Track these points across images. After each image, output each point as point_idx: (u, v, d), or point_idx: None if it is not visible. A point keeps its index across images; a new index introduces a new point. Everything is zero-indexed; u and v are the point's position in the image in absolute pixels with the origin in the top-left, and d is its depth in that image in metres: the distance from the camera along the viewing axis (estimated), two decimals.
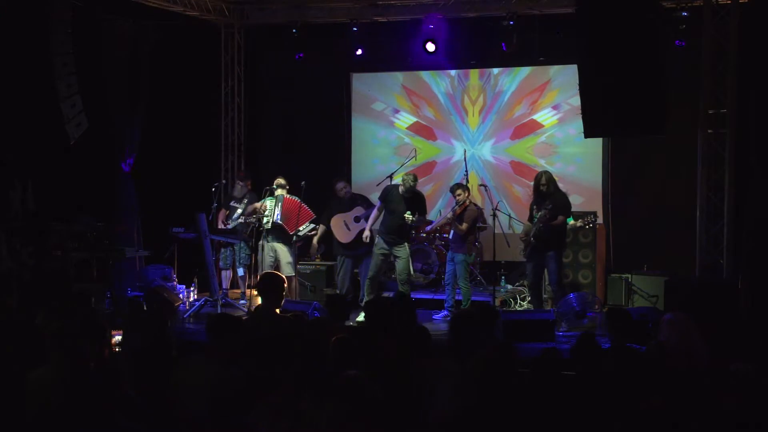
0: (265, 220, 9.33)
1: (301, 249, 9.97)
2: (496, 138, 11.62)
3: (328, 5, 11.20)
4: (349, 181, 10.98)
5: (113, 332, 5.50)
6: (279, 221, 9.28)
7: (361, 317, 8.75)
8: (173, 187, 10.71)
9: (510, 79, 11.56)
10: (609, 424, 4.09)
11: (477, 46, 11.28)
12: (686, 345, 5.03)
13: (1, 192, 8.56)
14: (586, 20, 7.38)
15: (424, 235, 10.60)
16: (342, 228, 9.96)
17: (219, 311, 9.09)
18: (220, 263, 10.13)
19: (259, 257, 9.42)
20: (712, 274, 9.23)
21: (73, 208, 9.27)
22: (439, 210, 11.47)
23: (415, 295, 9.23)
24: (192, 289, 9.91)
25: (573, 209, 9.47)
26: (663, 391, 4.35)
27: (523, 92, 11.49)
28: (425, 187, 11.85)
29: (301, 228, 9.42)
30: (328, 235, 10.06)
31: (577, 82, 7.52)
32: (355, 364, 4.40)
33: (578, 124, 7.61)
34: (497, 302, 9.33)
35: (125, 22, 10.49)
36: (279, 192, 9.39)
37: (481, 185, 11.08)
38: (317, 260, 10.84)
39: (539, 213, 8.49)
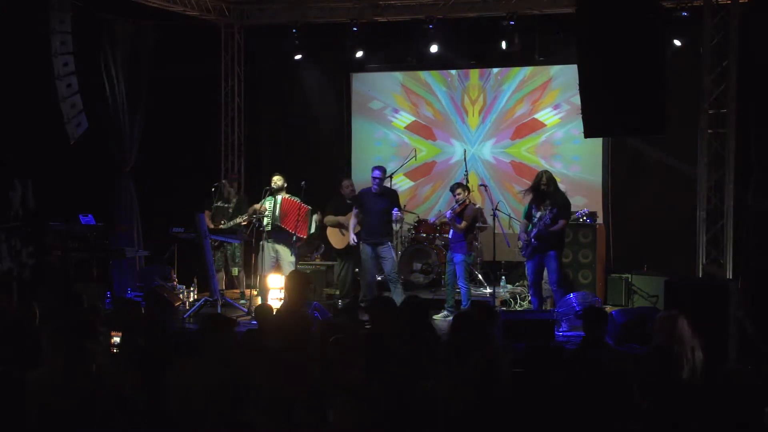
0: (265, 221, 9.32)
1: (301, 249, 9.97)
2: (496, 138, 11.63)
3: (328, 5, 11.20)
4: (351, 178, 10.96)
5: (112, 333, 5.49)
6: (278, 223, 9.28)
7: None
8: (173, 187, 10.71)
9: (510, 79, 11.56)
10: (607, 423, 4.10)
11: (477, 46, 11.28)
12: (676, 344, 5.02)
13: (1, 192, 8.56)
14: (586, 20, 7.38)
15: (424, 234, 10.60)
16: (337, 234, 10.01)
17: (219, 311, 9.10)
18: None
19: (260, 257, 9.41)
20: (712, 274, 9.21)
21: (73, 208, 9.27)
22: (438, 210, 11.48)
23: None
24: (192, 289, 9.91)
25: (575, 210, 9.52)
26: (658, 392, 4.35)
27: (524, 92, 11.49)
28: (425, 188, 11.87)
29: (311, 227, 9.40)
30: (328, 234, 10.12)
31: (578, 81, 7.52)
32: (356, 365, 4.40)
33: (580, 124, 7.59)
34: (497, 302, 9.33)
35: (125, 22, 10.49)
36: (279, 195, 9.37)
37: (481, 185, 11.08)
38: (317, 260, 10.85)
39: (539, 213, 8.47)
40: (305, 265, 10.38)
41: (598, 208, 10.60)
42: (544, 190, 8.53)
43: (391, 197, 9.39)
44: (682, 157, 10.05)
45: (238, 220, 9.66)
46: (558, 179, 8.99)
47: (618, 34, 7.14)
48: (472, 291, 9.42)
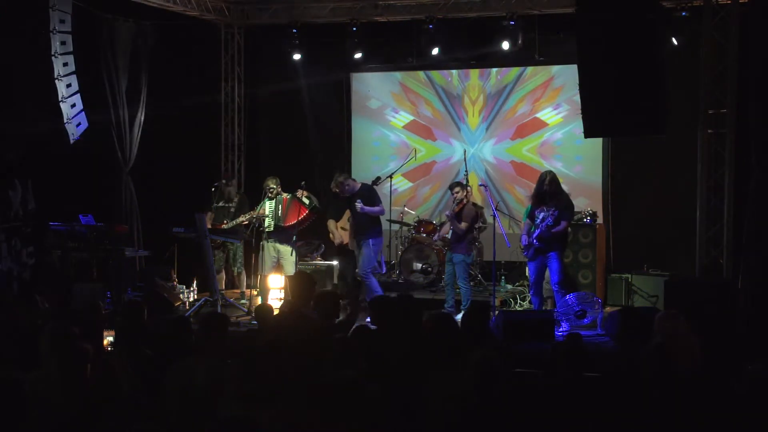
0: (266, 222, 9.32)
1: (301, 249, 9.97)
2: (497, 138, 11.61)
3: (328, 5, 11.20)
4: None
5: (105, 333, 5.50)
6: (281, 223, 9.28)
7: None
8: (173, 187, 10.71)
9: (511, 79, 11.55)
10: (610, 424, 4.10)
11: (477, 46, 11.28)
12: (675, 343, 5.02)
13: (1, 192, 8.56)
14: (586, 20, 7.38)
15: (425, 234, 10.59)
16: (335, 233, 10.06)
17: (219, 311, 9.11)
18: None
19: (261, 257, 9.41)
20: (712, 274, 9.22)
21: (73, 208, 9.27)
22: (437, 210, 11.49)
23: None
24: (192, 289, 9.91)
25: (578, 212, 9.52)
26: (657, 392, 4.36)
27: (525, 91, 11.48)
28: (424, 188, 11.85)
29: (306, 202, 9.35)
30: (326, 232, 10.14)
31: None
32: (356, 364, 4.40)
33: (582, 123, 7.59)
34: (497, 302, 9.33)
35: (125, 22, 10.49)
36: (279, 195, 9.37)
37: (481, 185, 11.08)
38: (317, 260, 10.85)
39: (542, 214, 8.44)
40: (305, 265, 10.39)
41: (598, 208, 10.60)
42: (547, 191, 8.51)
43: (362, 194, 9.32)
44: (682, 157, 10.04)
45: (239, 220, 9.65)
46: (561, 180, 8.97)
47: (618, 34, 7.14)
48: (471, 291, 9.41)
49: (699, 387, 4.52)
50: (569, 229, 8.91)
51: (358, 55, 11.21)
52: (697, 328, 5.28)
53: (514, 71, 11.52)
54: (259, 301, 9.24)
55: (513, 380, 4.56)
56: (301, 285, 6.17)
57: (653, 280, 9.55)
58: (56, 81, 8.84)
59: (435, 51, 10.84)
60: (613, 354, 6.96)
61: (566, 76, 10.93)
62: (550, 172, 8.72)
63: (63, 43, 8.81)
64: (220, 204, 10.14)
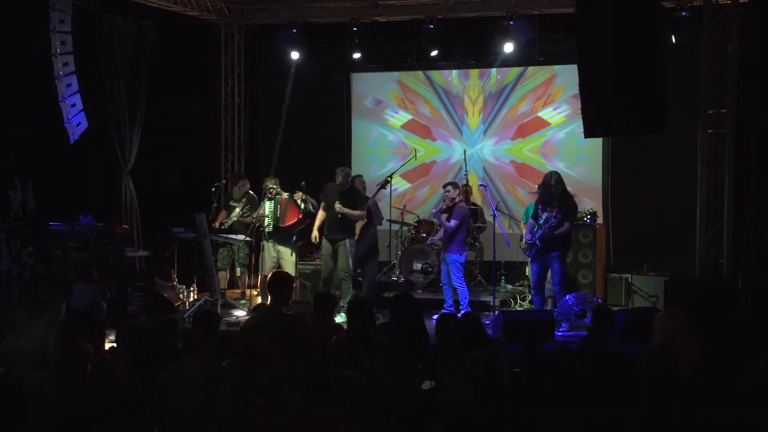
0: (266, 222, 9.32)
1: (301, 249, 9.97)
2: (497, 138, 11.60)
3: (328, 5, 11.20)
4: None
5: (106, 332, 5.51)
6: (281, 224, 9.27)
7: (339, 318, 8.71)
8: (173, 187, 10.71)
9: (511, 79, 11.54)
10: (607, 423, 4.10)
11: (477, 46, 11.28)
12: (675, 343, 5.02)
13: (1, 192, 8.56)
14: (586, 20, 7.38)
15: (425, 235, 10.59)
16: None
17: (219, 311, 9.10)
18: (218, 263, 10.12)
19: (261, 257, 9.42)
20: (712, 274, 9.22)
21: (73, 208, 9.27)
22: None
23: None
24: (192, 289, 9.91)
25: (582, 213, 9.53)
26: (657, 392, 4.36)
27: (526, 90, 11.46)
28: (423, 189, 11.83)
29: (301, 207, 9.31)
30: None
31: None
32: (356, 365, 4.41)
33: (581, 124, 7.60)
34: (497, 302, 9.33)
35: (125, 22, 10.49)
36: (278, 196, 9.36)
37: (481, 185, 11.07)
38: (317, 260, 10.84)
39: (545, 215, 8.44)
40: (305, 264, 10.39)
41: (598, 208, 10.60)
42: (552, 192, 8.49)
43: (352, 196, 9.26)
44: (682, 157, 10.05)
45: (235, 218, 9.64)
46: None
47: (618, 34, 7.14)
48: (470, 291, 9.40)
49: (699, 387, 4.52)
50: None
51: (357, 55, 11.21)
52: (697, 328, 5.28)
53: (515, 71, 11.51)
54: (259, 301, 9.25)
55: (513, 380, 4.56)
56: (280, 285, 6.13)
57: (653, 280, 9.55)
58: (56, 81, 8.84)
59: (435, 52, 10.84)
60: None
61: (568, 74, 10.89)
62: (555, 172, 8.69)
63: (63, 43, 8.81)
64: (230, 203, 10.18)
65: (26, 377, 4.29)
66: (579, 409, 4.27)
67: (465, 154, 11.00)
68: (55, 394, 4.19)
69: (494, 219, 9.63)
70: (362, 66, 11.74)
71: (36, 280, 8.38)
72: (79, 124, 9.09)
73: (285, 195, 9.34)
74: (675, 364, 4.83)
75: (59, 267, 8.86)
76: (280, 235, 9.33)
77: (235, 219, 9.77)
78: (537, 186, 9.02)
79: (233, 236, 9.80)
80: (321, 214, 9.33)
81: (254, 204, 9.91)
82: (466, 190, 10.64)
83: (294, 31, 11.14)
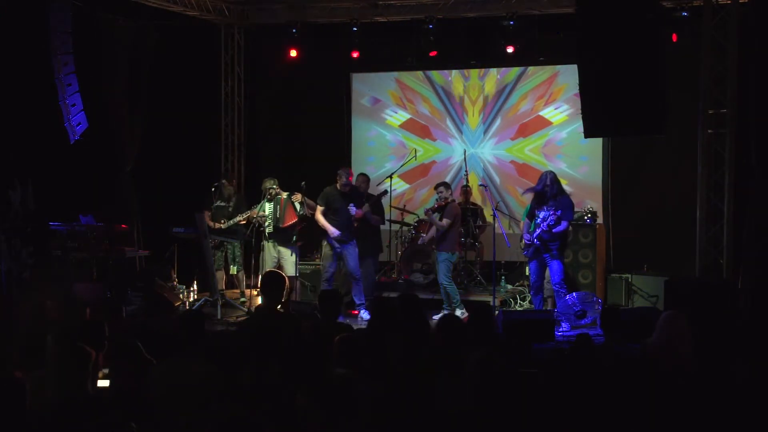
0: (267, 222, 9.31)
1: (301, 249, 9.97)
2: (497, 138, 11.59)
3: (328, 5, 11.20)
4: (365, 174, 10.93)
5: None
6: (281, 225, 9.27)
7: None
8: (173, 187, 10.71)
9: (512, 78, 11.52)
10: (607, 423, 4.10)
11: (477, 46, 11.28)
12: (673, 344, 5.02)
13: (1, 192, 8.56)
14: (586, 20, 7.38)
15: (425, 235, 10.59)
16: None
17: (219, 311, 9.11)
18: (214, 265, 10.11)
19: (261, 257, 9.41)
20: (712, 274, 9.22)
21: (73, 208, 9.26)
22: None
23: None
24: (192, 289, 9.90)
25: (577, 210, 9.50)
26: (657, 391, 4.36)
27: (527, 88, 11.44)
28: (423, 189, 11.81)
29: (296, 209, 9.31)
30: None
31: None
32: (359, 364, 4.41)
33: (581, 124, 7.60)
34: (497, 302, 9.33)
35: (125, 22, 10.49)
36: (278, 196, 9.36)
37: (481, 185, 11.07)
38: (317, 260, 10.84)
39: (543, 214, 8.44)
40: (305, 264, 10.39)
41: (599, 208, 10.60)
42: (548, 192, 8.51)
43: (356, 197, 9.33)
44: (682, 157, 10.05)
45: (237, 219, 9.65)
46: (565, 182, 8.97)
47: (618, 34, 7.15)
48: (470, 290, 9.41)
49: (698, 387, 4.52)
50: (570, 228, 8.92)
51: (357, 55, 11.21)
52: (697, 328, 5.28)
53: (515, 70, 11.49)
54: (259, 301, 9.24)
55: (513, 380, 4.56)
56: (271, 285, 6.13)
57: (653, 280, 9.55)
58: (56, 81, 8.84)
59: (434, 53, 10.84)
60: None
61: (570, 72, 10.81)
62: (551, 172, 8.72)
63: (63, 43, 8.81)
64: (219, 203, 10.13)
65: (27, 377, 4.29)
66: (577, 409, 4.27)
67: (465, 154, 10.99)
68: (56, 395, 4.19)
69: (494, 219, 9.63)
70: (362, 66, 11.74)
71: (36, 280, 8.38)
72: (79, 124, 9.09)
73: (284, 195, 9.34)
74: (675, 363, 4.85)
75: (59, 267, 8.86)
76: (281, 235, 9.33)
77: (239, 220, 9.74)
78: (527, 190, 9.01)
79: (231, 237, 9.80)
80: (320, 219, 9.24)
81: (243, 204, 9.91)
82: (467, 190, 10.65)
83: (294, 31, 11.14)
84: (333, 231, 9.13)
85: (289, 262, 9.32)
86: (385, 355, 4.93)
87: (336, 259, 9.24)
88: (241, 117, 12.19)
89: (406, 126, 11.94)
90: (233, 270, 10.30)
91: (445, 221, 8.98)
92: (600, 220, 10.41)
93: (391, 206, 10.54)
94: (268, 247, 9.36)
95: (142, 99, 10.73)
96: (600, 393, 4.43)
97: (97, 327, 5.03)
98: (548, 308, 8.82)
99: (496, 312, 8.73)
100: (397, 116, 11.97)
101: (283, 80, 11.99)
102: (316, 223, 9.42)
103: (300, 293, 9.92)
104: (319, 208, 9.25)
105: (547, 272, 8.67)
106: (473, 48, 11.35)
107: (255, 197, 9.76)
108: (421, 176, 11.86)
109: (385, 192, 10.11)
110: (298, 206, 9.26)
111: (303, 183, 9.39)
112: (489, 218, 10.64)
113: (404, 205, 11.19)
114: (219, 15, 11.54)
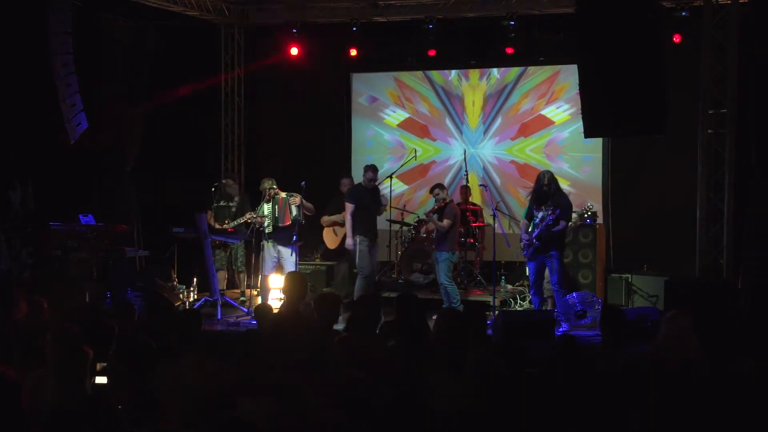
0: (266, 222, 9.31)
1: (301, 249, 9.97)
2: (498, 137, 11.56)
3: (328, 5, 11.20)
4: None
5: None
6: (280, 224, 9.27)
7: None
8: (173, 187, 10.71)
9: (512, 78, 11.49)
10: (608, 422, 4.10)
11: (477, 46, 11.27)
12: (677, 344, 5.02)
13: (1, 192, 8.56)
14: (586, 20, 7.38)
15: (425, 235, 10.59)
16: (330, 235, 10.06)
17: (219, 311, 9.12)
18: (216, 265, 10.11)
19: (261, 257, 9.41)
20: (712, 274, 9.22)
21: (73, 208, 9.26)
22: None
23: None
24: (192, 289, 9.90)
25: (577, 209, 9.50)
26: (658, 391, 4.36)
27: (529, 87, 11.39)
28: (421, 190, 11.78)
29: (292, 212, 9.32)
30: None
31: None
32: (358, 364, 4.40)
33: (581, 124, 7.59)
34: (497, 302, 9.34)
35: (125, 22, 10.49)
36: (276, 196, 9.35)
37: (481, 185, 11.07)
38: (317, 260, 10.85)
39: (541, 214, 8.45)
40: (305, 264, 10.39)
41: (599, 208, 10.59)
42: (546, 191, 8.51)
43: (376, 194, 9.50)
44: (682, 157, 10.05)
45: (241, 221, 9.65)
46: (567, 182, 8.96)
47: (618, 34, 7.15)
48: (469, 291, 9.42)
49: (699, 387, 4.52)
50: (569, 228, 8.92)
51: (357, 55, 11.20)
52: (697, 328, 5.28)
53: (515, 70, 11.46)
54: (259, 301, 9.24)
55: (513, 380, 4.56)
56: (292, 285, 6.14)
57: (653, 280, 9.55)
58: (56, 81, 8.84)
59: (433, 51, 10.84)
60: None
61: (572, 71, 10.73)
62: (549, 171, 8.73)
63: (63, 43, 8.81)
64: (221, 203, 10.14)
65: (26, 377, 4.30)
66: (576, 409, 4.27)
67: (465, 154, 10.98)
68: (55, 395, 4.18)
69: (494, 219, 9.63)
70: (362, 66, 11.74)
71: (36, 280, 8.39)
72: (79, 124, 9.08)
73: (282, 195, 9.34)
74: (676, 363, 4.84)
75: (59, 267, 8.87)
76: (280, 235, 9.32)
77: (243, 221, 9.73)
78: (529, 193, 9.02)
79: (233, 237, 9.80)
80: (351, 220, 9.27)
81: (247, 204, 9.91)
82: (467, 190, 10.65)
83: (294, 31, 11.14)
84: (349, 243, 9.22)
85: (289, 262, 9.31)
86: (384, 356, 4.93)
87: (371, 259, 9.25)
88: (241, 117, 12.19)
89: (405, 125, 11.92)
90: (237, 270, 10.31)
91: (446, 222, 9.00)
92: (600, 220, 10.41)
93: (390, 206, 10.54)
94: (268, 247, 9.35)
95: (142, 99, 10.73)
96: (594, 394, 4.43)
97: (106, 331, 5.04)
98: (548, 308, 8.83)
99: (496, 312, 8.74)
100: (396, 115, 11.95)
101: (283, 80, 11.98)
102: (315, 223, 9.47)
103: None
104: (349, 206, 9.23)
105: (547, 272, 8.68)
106: (473, 48, 11.34)
107: (255, 197, 9.77)
108: (420, 177, 11.83)
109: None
110: (294, 210, 9.26)
111: (303, 183, 9.38)
112: (489, 219, 10.63)
113: (404, 205, 11.18)
114: (219, 15, 11.54)
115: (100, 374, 4.78)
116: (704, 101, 9.29)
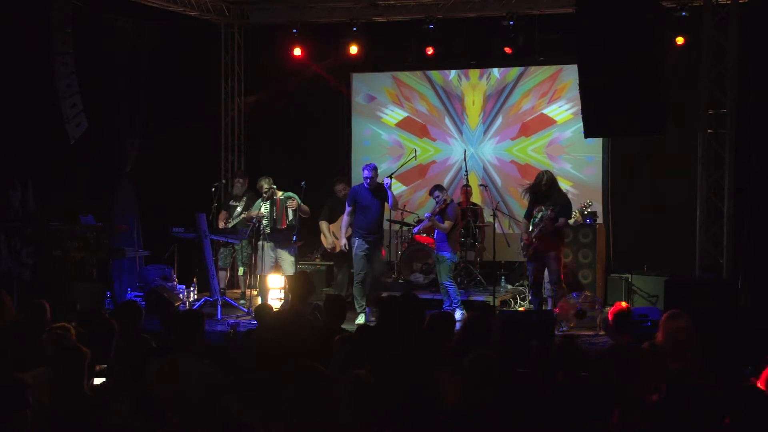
0: (265, 222, 9.32)
1: (301, 249, 9.97)
2: (499, 137, 11.53)
3: (328, 5, 11.20)
4: (348, 181, 10.97)
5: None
6: (277, 226, 9.27)
7: (360, 319, 8.76)
8: (173, 187, 10.71)
9: (513, 77, 11.47)
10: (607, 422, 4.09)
11: (477, 46, 11.27)
12: (674, 343, 5.02)
13: (1, 192, 8.56)
14: (586, 20, 7.38)
15: (425, 234, 10.59)
16: (327, 236, 10.08)
17: (219, 311, 9.12)
18: (219, 263, 10.12)
19: (260, 257, 9.41)
20: (712, 274, 9.22)
21: (73, 208, 9.26)
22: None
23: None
24: (192, 289, 9.91)
25: (582, 207, 9.50)
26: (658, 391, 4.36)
27: (530, 86, 11.36)
28: (421, 191, 11.75)
29: (288, 215, 9.31)
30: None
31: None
32: (361, 364, 4.41)
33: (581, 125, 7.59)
34: (497, 302, 9.34)
35: (125, 22, 10.48)
36: (274, 196, 9.35)
37: (481, 185, 11.06)
38: (317, 260, 10.85)
39: (540, 213, 8.46)
40: (305, 264, 10.39)
41: (598, 208, 10.58)
42: (545, 191, 8.51)
43: (381, 194, 9.31)
44: (682, 157, 10.05)
45: (238, 219, 9.65)
46: (570, 183, 8.96)
47: (618, 34, 7.15)
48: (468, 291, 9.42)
49: (699, 387, 4.52)
50: (569, 227, 8.92)
51: (357, 55, 11.20)
52: (697, 328, 5.28)
53: (515, 70, 11.44)
54: (259, 301, 9.24)
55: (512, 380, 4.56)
56: (296, 285, 6.16)
57: (653, 280, 9.55)
58: (56, 81, 8.83)
59: (432, 51, 10.83)
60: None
61: (574, 70, 10.59)
62: (548, 171, 8.75)
63: (63, 43, 8.81)
64: (231, 203, 10.18)
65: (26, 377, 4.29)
66: (576, 409, 4.26)
67: (465, 154, 10.97)
68: (54, 395, 4.19)
69: (494, 219, 9.63)
70: (362, 66, 11.73)
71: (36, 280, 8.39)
72: (79, 124, 9.08)
73: (280, 195, 9.33)
74: (676, 363, 4.84)
75: (59, 267, 8.87)
76: (279, 236, 9.32)
77: (240, 219, 9.74)
78: (525, 189, 8.99)
79: (233, 237, 9.80)
80: (348, 220, 9.25)
81: (253, 201, 9.92)
82: (467, 190, 10.64)
83: (294, 31, 11.14)
84: (337, 244, 9.28)
85: (288, 262, 9.32)
86: (385, 355, 4.93)
87: (366, 262, 9.13)
88: (241, 117, 12.19)
89: (403, 125, 11.89)
90: (241, 271, 10.31)
91: (447, 223, 9.02)
92: (600, 220, 10.41)
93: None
94: (267, 247, 9.35)
95: (141, 99, 10.73)
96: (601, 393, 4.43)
97: (107, 331, 5.04)
98: (548, 308, 8.83)
99: (496, 312, 8.74)
100: (394, 114, 11.93)
101: (283, 80, 11.97)
102: (315, 223, 9.46)
103: None
104: (346, 209, 9.21)
105: (547, 272, 8.68)
106: (473, 48, 11.34)
107: (253, 196, 9.78)
108: (419, 177, 11.79)
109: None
110: (291, 214, 9.26)
111: (303, 183, 9.38)
112: (489, 219, 10.62)
113: (404, 205, 11.17)
114: (219, 15, 11.53)
115: (99, 375, 4.78)
116: (704, 101, 9.28)
